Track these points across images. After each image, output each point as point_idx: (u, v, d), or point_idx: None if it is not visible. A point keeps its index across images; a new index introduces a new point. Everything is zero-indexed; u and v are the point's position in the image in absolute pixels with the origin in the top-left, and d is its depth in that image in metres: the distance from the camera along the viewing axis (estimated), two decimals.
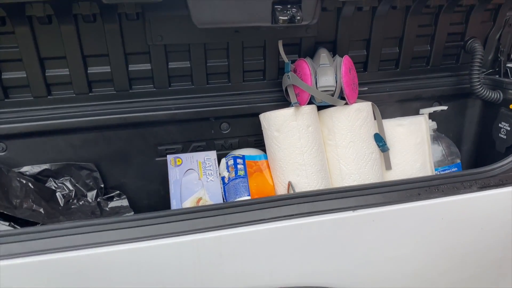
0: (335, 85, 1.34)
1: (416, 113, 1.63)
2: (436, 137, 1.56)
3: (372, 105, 1.43)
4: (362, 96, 1.47)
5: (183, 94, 1.42)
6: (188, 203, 1.34)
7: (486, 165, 1.65)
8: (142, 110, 1.40)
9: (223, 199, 1.37)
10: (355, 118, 1.37)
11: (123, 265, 1.07)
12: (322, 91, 1.33)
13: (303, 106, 1.35)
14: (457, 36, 1.57)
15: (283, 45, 1.38)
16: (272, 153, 1.37)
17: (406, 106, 1.62)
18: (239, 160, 1.40)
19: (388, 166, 1.44)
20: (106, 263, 1.05)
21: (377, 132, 1.42)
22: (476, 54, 1.51)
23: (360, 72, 1.52)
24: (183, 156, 1.42)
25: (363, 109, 1.38)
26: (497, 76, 1.63)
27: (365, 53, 1.51)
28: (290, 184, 1.32)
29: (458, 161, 1.56)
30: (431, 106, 1.65)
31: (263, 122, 1.39)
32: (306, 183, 1.34)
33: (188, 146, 1.49)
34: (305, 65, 1.34)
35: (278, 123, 1.34)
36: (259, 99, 1.48)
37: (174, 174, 1.38)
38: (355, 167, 1.37)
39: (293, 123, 1.33)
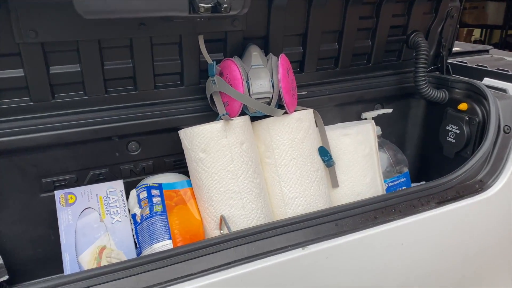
0: (271, 90, 1.08)
1: (358, 117, 1.44)
2: (381, 144, 1.38)
3: (314, 112, 1.19)
4: (300, 102, 1.24)
5: (73, 107, 1.07)
6: (87, 256, 1.00)
7: (433, 171, 1.53)
8: (15, 133, 1.03)
9: (136, 245, 1.05)
10: (297, 130, 1.13)
11: None
12: (256, 98, 1.07)
13: (234, 119, 1.07)
14: (399, 30, 1.40)
15: (205, 41, 1.09)
16: (198, 179, 1.08)
17: (347, 110, 1.42)
18: (154, 191, 1.08)
19: (334, 184, 1.22)
20: None
21: (321, 144, 1.19)
22: (420, 50, 1.35)
23: (296, 73, 1.28)
24: (77, 190, 1.07)
25: (305, 118, 1.14)
26: (437, 72, 1.50)
27: (301, 50, 1.27)
28: (222, 220, 1.04)
29: (406, 170, 1.40)
30: (373, 108, 1.47)
31: (184, 140, 1.09)
32: (242, 215, 1.06)
33: (85, 175, 1.14)
34: (234, 66, 1.06)
35: (204, 142, 1.05)
36: (176, 110, 1.17)
37: (65, 216, 1.03)
38: (299, 189, 1.13)
39: (223, 140, 1.05)
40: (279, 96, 1.08)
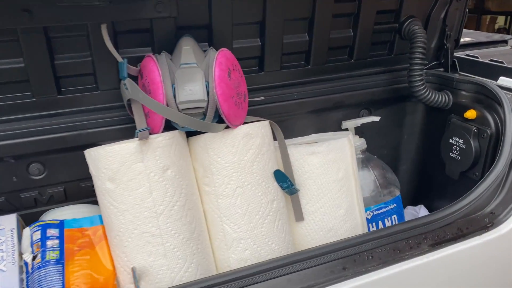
0: (206, 98, 0.80)
1: (338, 127, 1.15)
2: (366, 160, 1.10)
3: (270, 124, 0.92)
4: (255, 111, 0.96)
5: None
6: None
7: (435, 193, 1.23)
8: None
9: None
10: (244, 149, 0.85)
11: None
12: (184, 109, 0.79)
13: (154, 136, 0.80)
14: (389, 16, 1.10)
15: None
16: (107, 216, 0.82)
17: (324, 119, 1.14)
18: (51, 231, 0.82)
19: (299, 217, 0.94)
20: None
21: (278, 168, 0.91)
22: (416, 41, 1.05)
23: (252, 74, 1.00)
24: None
25: (256, 133, 0.87)
26: (442, 69, 1.20)
27: (259, 43, 0.99)
28: (133, 274, 0.77)
29: (397, 193, 1.11)
30: (357, 116, 1.18)
31: (89, 164, 0.83)
32: (164, 266, 0.80)
33: None
34: (153, 65, 0.79)
35: (111, 168, 0.78)
36: (91, 121, 0.91)
37: None
38: (246, 227, 0.85)
39: (138, 165, 0.78)
40: (217, 106, 0.81)
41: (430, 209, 1.22)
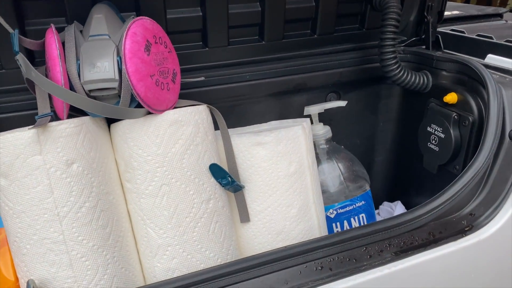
0: (117, 78, 0.66)
1: (300, 113, 1.01)
2: (331, 151, 0.96)
3: (211, 110, 0.78)
4: (200, 93, 0.82)
5: None
6: None
7: (413, 188, 1.09)
8: None
9: None
10: (170, 139, 0.71)
11: None
12: (91, 90, 0.66)
13: (56, 123, 0.66)
14: None
15: None
16: (3, 219, 0.69)
17: (285, 103, 0.99)
18: None
19: (244, 218, 0.81)
20: None
21: (217, 161, 0.77)
22: (388, 11, 0.90)
23: (194, 50, 0.86)
24: None
25: (188, 121, 0.73)
26: (423, 47, 1.05)
27: (200, 13, 0.84)
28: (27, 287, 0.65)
29: (367, 188, 0.97)
30: (324, 100, 1.04)
31: None
32: (69, 278, 0.67)
33: None
34: (51, 38, 0.65)
35: (4, 161, 0.65)
36: None
37: None
38: (174, 232, 0.72)
39: (36, 159, 0.65)
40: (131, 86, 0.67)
41: (408, 206, 1.08)
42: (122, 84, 0.67)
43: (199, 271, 0.67)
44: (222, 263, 0.75)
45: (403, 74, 0.92)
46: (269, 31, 0.90)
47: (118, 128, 0.72)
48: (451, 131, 0.88)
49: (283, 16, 0.90)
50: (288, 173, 0.80)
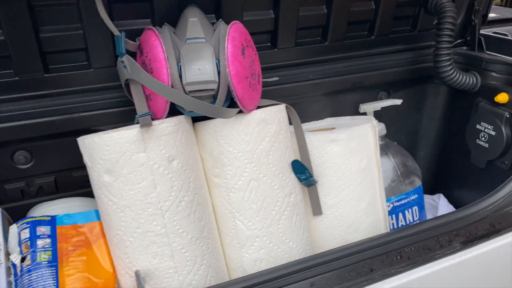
0: (216, 79, 0.70)
1: (354, 110, 1.06)
2: (385, 147, 1.01)
3: (287, 109, 0.82)
4: (268, 92, 0.86)
5: None
6: None
7: (454, 182, 1.15)
8: None
9: None
10: (259, 137, 0.75)
11: None
12: (191, 92, 0.69)
13: (159, 122, 0.70)
14: None
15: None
16: (105, 213, 0.72)
17: (339, 101, 1.04)
18: (42, 229, 0.73)
19: (316, 211, 0.85)
20: None
21: (296, 157, 0.81)
22: (445, 16, 0.95)
23: (265, 50, 0.90)
24: None
25: (272, 119, 0.77)
26: (467, 48, 1.10)
27: (273, 15, 0.88)
28: (136, 278, 0.68)
29: (419, 183, 1.03)
30: (375, 98, 1.09)
31: (83, 154, 0.72)
32: (171, 268, 0.71)
33: None
34: (156, 40, 0.68)
35: (109, 158, 0.68)
36: (83, 104, 0.80)
37: None
38: (261, 224, 0.76)
39: (140, 156, 0.68)
40: (229, 87, 0.71)
41: (450, 199, 1.14)
42: (220, 85, 0.70)
43: (289, 263, 0.70)
44: (304, 254, 0.80)
45: (456, 75, 0.98)
46: (332, 32, 0.94)
47: (209, 126, 0.76)
48: (503, 129, 0.94)
49: (346, 18, 0.94)
50: (360, 169, 0.85)
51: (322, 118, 1.00)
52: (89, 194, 0.85)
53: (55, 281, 0.69)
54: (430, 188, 1.18)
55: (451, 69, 0.97)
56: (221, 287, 0.64)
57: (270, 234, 0.77)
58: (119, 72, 0.73)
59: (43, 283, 0.69)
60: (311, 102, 1.00)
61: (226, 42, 0.69)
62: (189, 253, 0.72)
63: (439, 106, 1.12)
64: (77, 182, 0.86)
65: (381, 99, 1.09)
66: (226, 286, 0.64)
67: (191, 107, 0.69)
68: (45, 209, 0.78)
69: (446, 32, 0.95)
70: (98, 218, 0.77)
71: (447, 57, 0.96)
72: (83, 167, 0.83)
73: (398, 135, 1.14)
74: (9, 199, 0.82)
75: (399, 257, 0.75)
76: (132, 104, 0.75)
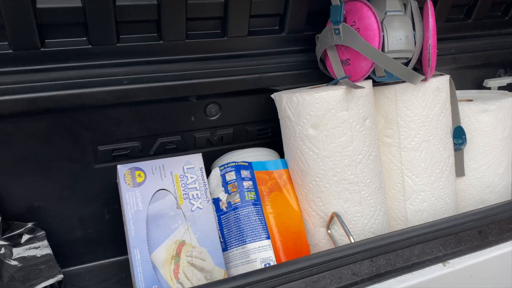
0: (413, 48, 0.79)
1: (477, 85, 1.15)
2: None
3: (449, 81, 0.91)
4: None
5: (143, 55, 0.79)
6: (162, 253, 0.77)
7: None
8: (65, 85, 0.76)
9: (221, 242, 0.82)
10: (433, 103, 0.85)
11: None
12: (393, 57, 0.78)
13: (359, 85, 0.79)
14: None
15: None
16: (303, 162, 0.82)
17: (465, 75, 1.13)
18: (244, 173, 0.83)
19: (460, 172, 0.96)
20: None
21: (452, 122, 0.92)
22: None
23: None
24: (147, 165, 0.82)
25: (443, 88, 0.87)
26: None
27: None
28: (336, 218, 0.79)
29: None
30: (495, 74, 1.18)
31: (287, 109, 0.82)
32: (358, 212, 0.82)
33: (151, 143, 0.88)
34: (368, 11, 0.77)
35: (317, 114, 0.78)
36: (268, 65, 0.89)
37: (133, 200, 0.79)
38: (426, 180, 0.87)
39: (343, 114, 0.78)
40: (419, 56, 0.80)
41: None
42: (414, 53, 0.79)
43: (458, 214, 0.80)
44: (454, 209, 0.91)
45: None
46: (477, 10, 1.02)
47: (389, 91, 0.85)
48: None
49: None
50: (503, 137, 0.95)
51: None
52: (257, 145, 0.96)
53: (261, 217, 0.81)
54: None
55: None
56: (410, 230, 0.75)
57: (433, 190, 0.88)
58: (320, 39, 0.82)
59: (253, 218, 0.80)
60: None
61: (428, 15, 0.77)
62: (373, 201, 0.83)
63: None
64: (249, 135, 0.96)
65: (499, 76, 1.18)
66: (414, 230, 0.75)
67: (395, 70, 0.78)
68: (236, 156, 0.89)
69: None
70: (285, 166, 0.88)
71: None
72: (254, 122, 0.94)
73: None
74: (195, 146, 0.92)
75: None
76: (304, 68, 0.85)
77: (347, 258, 0.68)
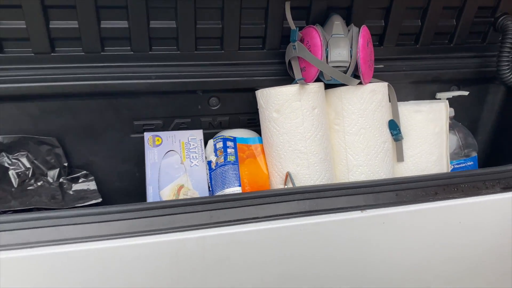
0: (349, 60, 1.12)
1: (431, 97, 1.44)
2: (452, 125, 1.38)
3: (388, 86, 1.22)
4: (376, 75, 1.27)
5: (166, 60, 1.19)
6: (168, 191, 1.13)
7: (502, 161, 1.50)
8: (116, 77, 1.17)
9: (209, 188, 1.17)
10: (369, 101, 1.17)
11: (86, 267, 0.87)
12: (333, 66, 1.12)
13: (309, 84, 1.13)
14: (487, 11, 1.36)
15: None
16: (269, 137, 1.17)
17: (421, 89, 1.42)
18: (229, 143, 1.19)
19: (400, 158, 1.25)
20: (63, 264, 0.85)
21: (392, 118, 1.22)
22: (507, 33, 1.31)
23: (375, 47, 1.31)
24: (164, 134, 1.20)
25: (379, 90, 1.18)
26: None
27: (383, 24, 1.29)
28: (288, 175, 1.12)
29: (475, 154, 1.39)
30: (449, 89, 1.46)
31: (260, 100, 1.18)
32: (307, 175, 1.14)
33: (170, 122, 1.27)
34: (316, 34, 1.12)
35: (278, 103, 1.13)
36: (256, 71, 1.25)
37: (152, 155, 1.17)
38: (364, 158, 1.18)
39: (297, 103, 1.12)
40: (356, 66, 1.13)
41: None
42: (350, 64, 1.13)
43: (379, 179, 1.11)
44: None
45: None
46: (422, 39, 1.33)
47: (336, 91, 1.18)
48: None
49: (434, 30, 1.33)
50: (434, 132, 1.24)
51: (407, 101, 1.39)
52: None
53: (237, 172, 1.15)
54: (485, 164, 1.53)
55: (509, 73, 1.32)
56: (337, 184, 1.06)
57: (370, 166, 1.18)
58: (286, 52, 1.18)
59: (231, 172, 1.15)
60: (401, 87, 1.38)
61: (359, 38, 1.11)
62: (319, 167, 1.14)
63: (497, 101, 1.47)
64: (241, 122, 1.32)
65: (452, 91, 1.46)
66: (340, 184, 1.05)
67: (334, 75, 1.11)
68: (228, 133, 1.25)
69: (507, 45, 1.30)
70: (260, 141, 1.22)
71: (506, 64, 1.31)
72: (246, 113, 1.29)
73: (463, 121, 1.49)
74: (202, 127, 1.29)
75: (455, 189, 1.12)
76: (283, 75, 1.20)
77: (287, 196, 1.01)
